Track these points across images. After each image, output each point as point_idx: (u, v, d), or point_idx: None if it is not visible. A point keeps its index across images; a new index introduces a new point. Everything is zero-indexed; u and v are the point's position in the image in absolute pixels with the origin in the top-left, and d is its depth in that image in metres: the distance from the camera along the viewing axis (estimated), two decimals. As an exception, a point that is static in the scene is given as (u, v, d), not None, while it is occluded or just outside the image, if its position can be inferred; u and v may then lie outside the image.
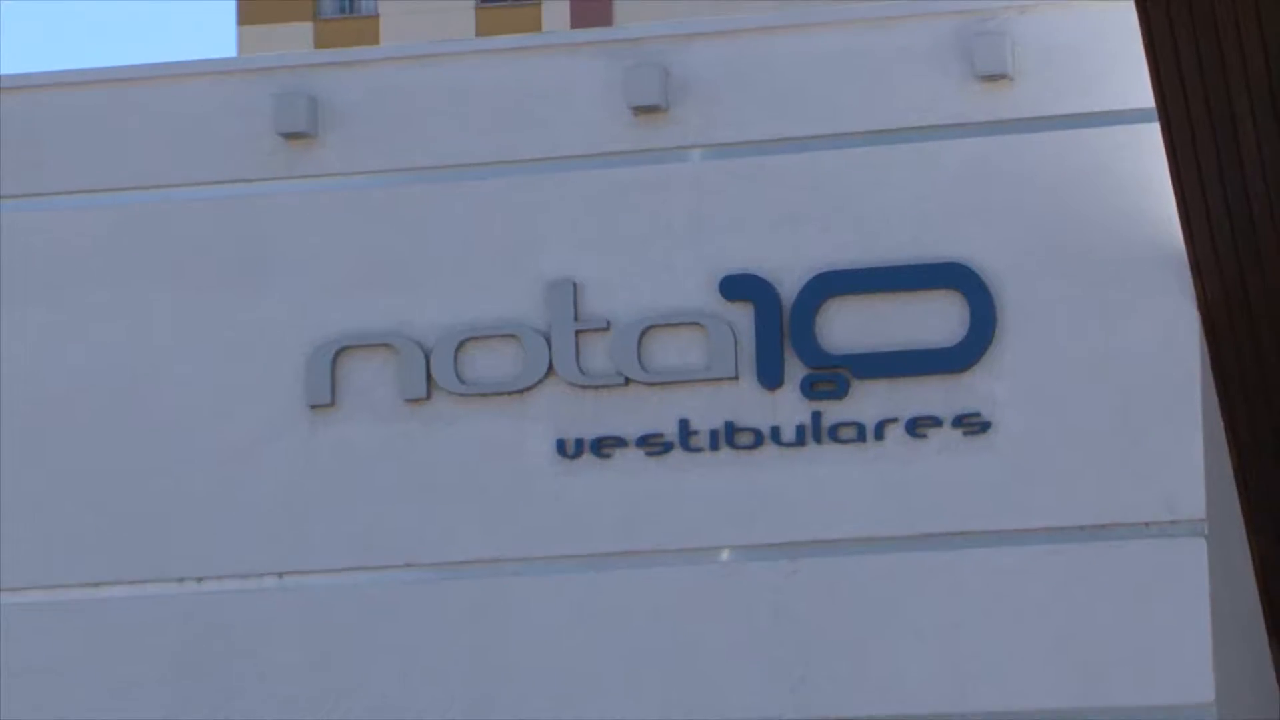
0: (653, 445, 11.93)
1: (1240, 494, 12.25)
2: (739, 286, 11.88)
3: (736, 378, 11.90)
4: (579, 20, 60.22)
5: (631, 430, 12.00)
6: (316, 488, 12.27)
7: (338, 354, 12.22)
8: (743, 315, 11.89)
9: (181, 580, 12.43)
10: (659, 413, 11.99)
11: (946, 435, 11.76)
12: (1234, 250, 11.58)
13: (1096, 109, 11.74)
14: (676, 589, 12.02)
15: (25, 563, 12.67)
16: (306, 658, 12.34)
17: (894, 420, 11.83)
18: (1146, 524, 11.55)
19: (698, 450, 11.93)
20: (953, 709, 11.64)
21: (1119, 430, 11.65)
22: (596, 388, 12.05)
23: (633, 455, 11.99)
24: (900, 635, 11.73)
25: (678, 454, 11.97)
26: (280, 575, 12.31)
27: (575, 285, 12.09)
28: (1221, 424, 11.90)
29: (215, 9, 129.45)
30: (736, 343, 11.88)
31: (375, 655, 12.23)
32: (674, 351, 11.98)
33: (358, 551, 12.27)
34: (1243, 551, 12.37)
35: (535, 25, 61.41)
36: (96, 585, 12.44)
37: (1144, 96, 11.16)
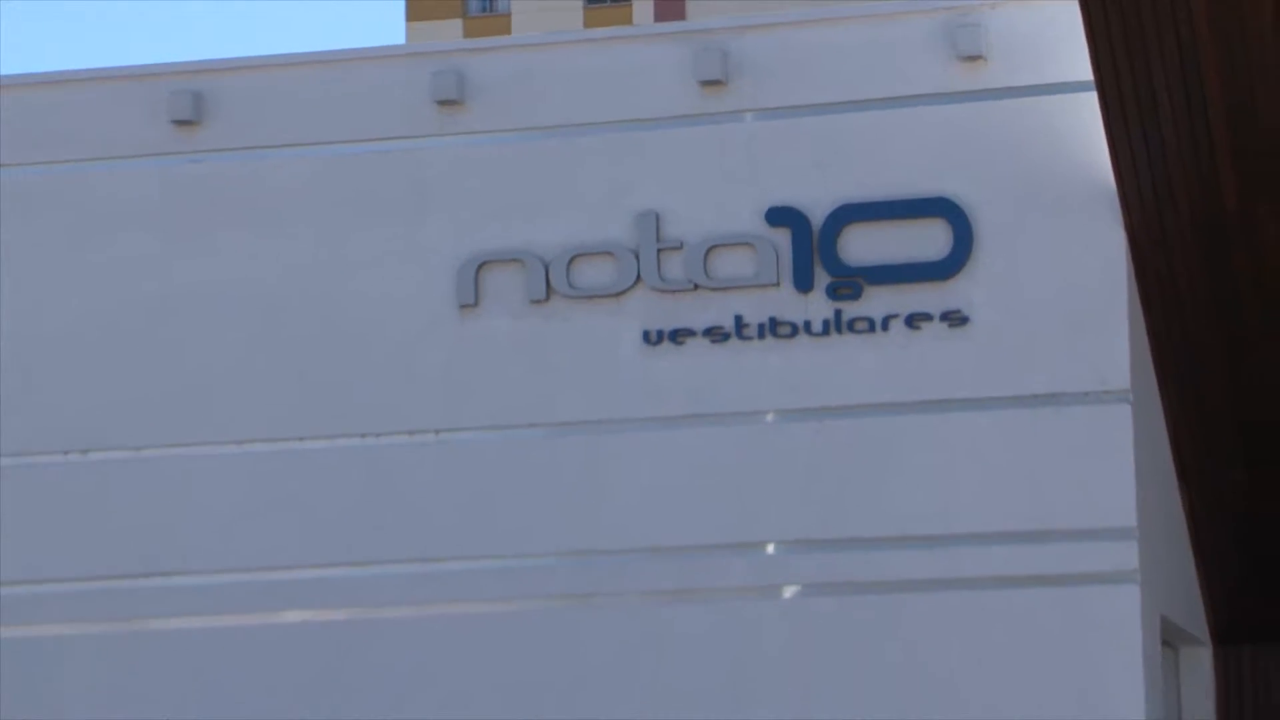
0: (715, 335, 12.21)
1: (1156, 370, 12.40)
2: (780, 216, 12.19)
3: (778, 284, 12.16)
4: (660, 16, 60.11)
5: (699, 324, 12.26)
6: (464, 366, 12.58)
7: (480, 267, 12.48)
8: (782, 237, 12.18)
9: (364, 435, 12.65)
10: (720, 311, 12.25)
11: (935, 327, 12.02)
12: (1152, 189, 11.86)
13: (1049, 81, 12.04)
14: (733, 442, 12.28)
15: (242, 421, 12.88)
16: (456, 496, 12.55)
17: (896, 316, 12.09)
18: (1085, 393, 11.81)
19: (749, 339, 12.19)
20: (939, 531, 11.94)
21: (1064, 323, 11.93)
22: (673, 292, 12.27)
23: (700, 343, 12.26)
24: (900, 476, 12.07)
25: (734, 342, 12.22)
26: (437, 433, 12.60)
27: (657, 215, 12.30)
28: (1142, 319, 12.08)
29: (389, 8, 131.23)
30: (778, 258, 12.15)
31: (508, 493, 12.51)
32: (731, 264, 12.25)
33: (493, 414, 12.54)
34: (1158, 414, 12.51)
35: (627, 19, 61.01)
36: (301, 439, 12.74)
37: (1085, 71, 11.38)
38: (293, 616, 12.67)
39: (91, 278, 13.15)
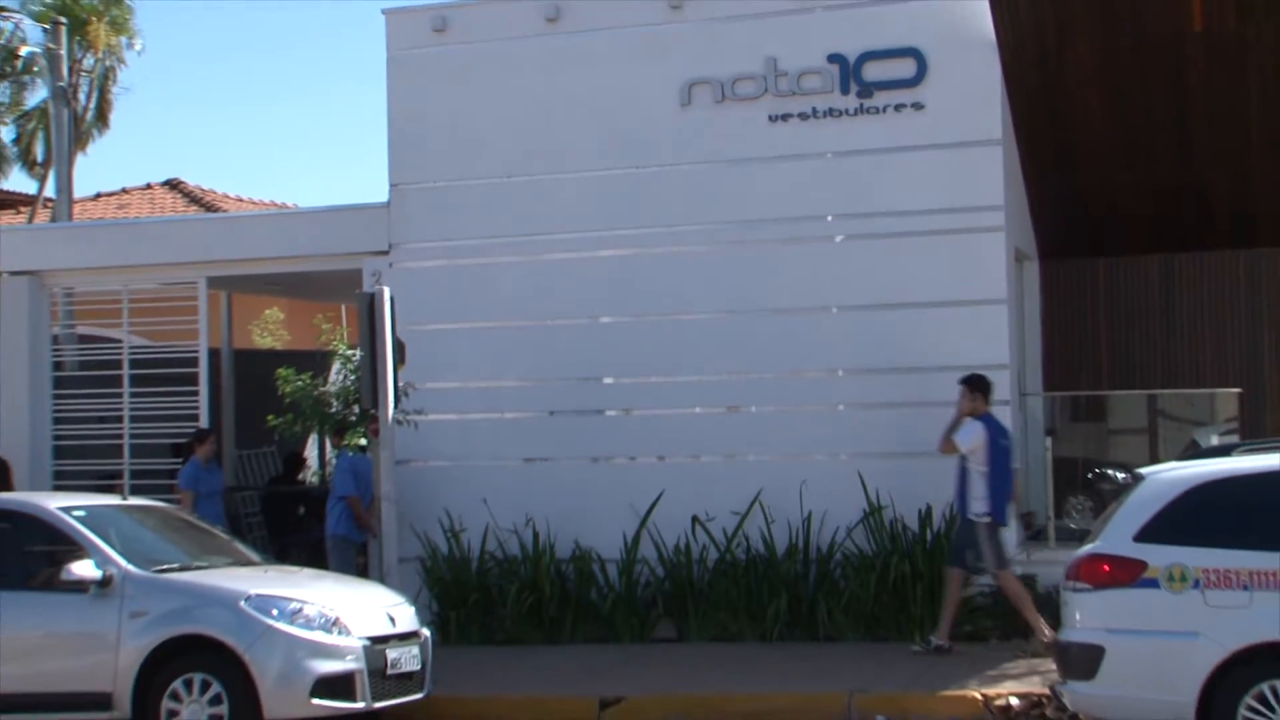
0: (803, 116, 12.40)
1: (1014, 127, 12.61)
2: (834, 58, 12.40)
3: (832, 91, 12.37)
4: None
5: (795, 110, 12.43)
6: (682, 133, 12.74)
7: (691, 85, 12.62)
8: (835, 68, 12.37)
9: (637, 167, 12.85)
10: (805, 105, 12.43)
11: (908, 110, 12.22)
12: (1014, 40, 12.17)
13: None
14: (811, 167, 12.40)
15: (584, 158, 12.98)
16: (678, 192, 12.66)
17: (889, 105, 12.26)
18: (979, 140, 12.03)
19: (819, 118, 12.41)
20: (903, 208, 12.15)
21: (969, 108, 12.11)
22: (783, 96, 12.45)
23: (795, 120, 12.44)
24: (889, 180, 12.25)
25: (811, 119, 12.41)
26: (673, 165, 12.75)
27: (775, 59, 12.46)
28: (1009, 104, 12.36)
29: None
30: (834, 79, 12.36)
31: (703, 189, 12.60)
32: (810, 82, 12.44)
33: (696, 155, 12.66)
34: (1014, 148, 12.66)
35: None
36: (609, 169, 12.89)
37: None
38: (607, 252, 12.99)
39: (507, 94, 13.33)
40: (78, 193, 21.64)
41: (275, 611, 8.84)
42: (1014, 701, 9.15)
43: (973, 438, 10.76)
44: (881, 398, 12.21)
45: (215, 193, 25.56)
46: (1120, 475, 12.79)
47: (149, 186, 25.47)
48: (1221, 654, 7.22)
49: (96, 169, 60.21)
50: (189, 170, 53.54)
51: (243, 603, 8.82)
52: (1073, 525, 12.30)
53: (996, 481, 10.71)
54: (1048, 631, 10.23)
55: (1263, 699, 7.20)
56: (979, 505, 10.71)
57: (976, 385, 10.99)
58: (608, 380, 13.00)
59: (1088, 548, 7.95)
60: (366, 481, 12.51)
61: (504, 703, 9.85)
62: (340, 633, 8.95)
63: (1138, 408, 13.60)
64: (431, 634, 9.97)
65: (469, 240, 13.43)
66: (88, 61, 24.74)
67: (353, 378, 13.37)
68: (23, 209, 26.31)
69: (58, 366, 14.42)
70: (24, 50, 22.44)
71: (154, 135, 52.72)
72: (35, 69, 22.63)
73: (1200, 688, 7.24)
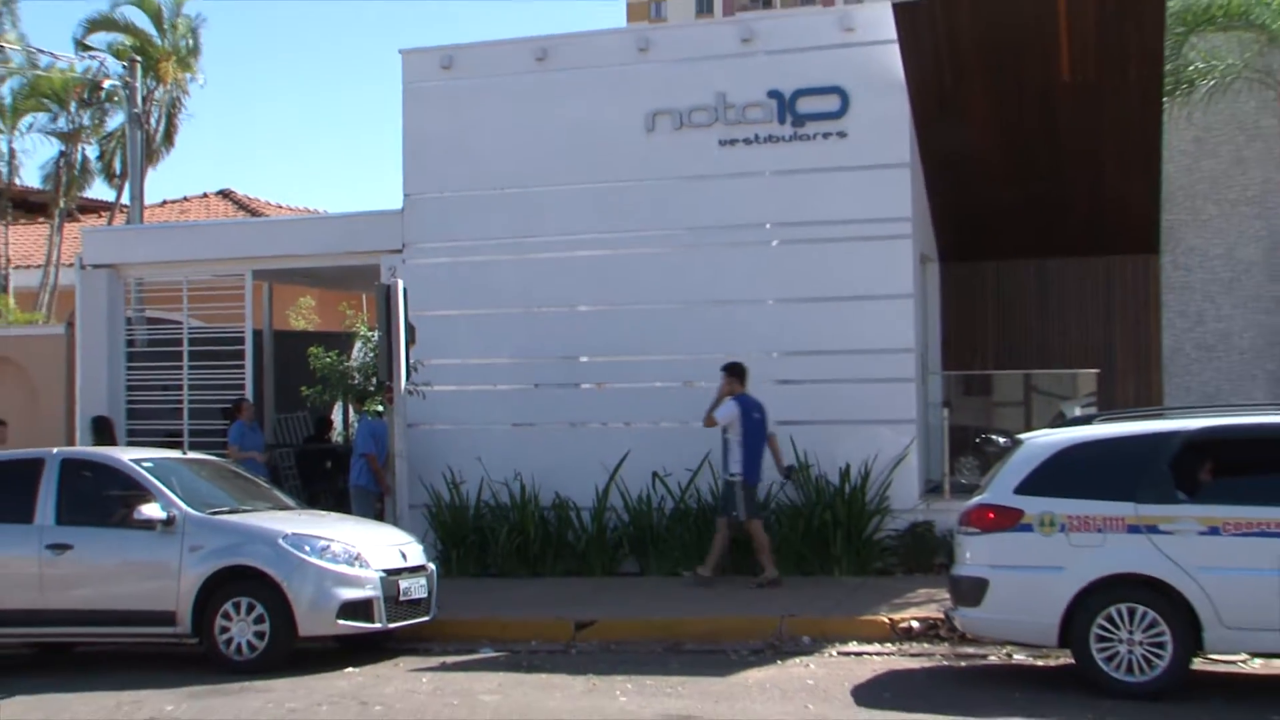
0: (748, 140, 12.17)
1: (921, 152, 12.32)
2: (773, 94, 12.16)
3: (772, 121, 12.15)
4: (727, 10, 50.15)
5: (741, 136, 12.24)
6: (646, 154, 12.48)
7: (654, 114, 12.34)
8: (776, 102, 12.13)
9: (608, 181, 12.53)
10: (749, 131, 12.22)
11: (834, 138, 12.02)
12: (920, 80, 11.94)
13: (881, 39, 11.90)
14: (754, 183, 12.20)
15: (573, 170, 12.66)
16: (644, 200, 12.40)
17: (819, 133, 12.05)
18: (893, 163, 11.84)
19: (762, 143, 12.18)
20: (828, 217, 11.92)
21: (883, 137, 11.93)
22: (732, 124, 12.23)
23: (740, 145, 12.19)
24: (817, 195, 12.04)
25: (755, 144, 12.18)
26: (640, 180, 12.48)
27: (724, 94, 12.18)
28: (916, 134, 12.13)
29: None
30: (774, 111, 12.13)
31: (664, 200, 12.30)
32: (755, 114, 12.19)
33: (658, 171, 12.37)
34: (919, 170, 12.28)
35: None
36: (592, 183, 12.63)
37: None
38: (585, 253, 12.74)
39: (503, 120, 13.02)
40: (148, 200, 21.55)
41: (308, 548, 8.84)
42: (915, 625, 9.18)
43: (728, 414, 10.80)
44: (809, 375, 12.03)
45: (260, 200, 25.53)
46: (1002, 440, 12.74)
47: (205, 195, 25.63)
48: (1080, 584, 7.32)
49: (163, 180, 61.25)
50: (239, 181, 53.86)
51: (281, 540, 8.83)
52: (964, 481, 12.24)
53: (749, 449, 10.72)
54: (771, 572, 10.60)
55: (1111, 619, 7.33)
56: (734, 467, 10.78)
57: (734, 371, 10.98)
58: (584, 359, 12.76)
59: (976, 499, 7.94)
60: (383, 441, 12.37)
61: (496, 624, 9.80)
62: (361, 566, 8.94)
63: (1016, 384, 13.59)
64: (436, 567, 9.88)
65: (469, 241, 13.11)
66: (159, 93, 24.81)
67: (372, 355, 13.19)
68: (103, 213, 26.50)
69: (130, 343, 14.36)
70: (106, 83, 22.91)
71: (210, 152, 52.68)
72: (115, 98, 22.87)
73: (1064, 611, 7.35)
